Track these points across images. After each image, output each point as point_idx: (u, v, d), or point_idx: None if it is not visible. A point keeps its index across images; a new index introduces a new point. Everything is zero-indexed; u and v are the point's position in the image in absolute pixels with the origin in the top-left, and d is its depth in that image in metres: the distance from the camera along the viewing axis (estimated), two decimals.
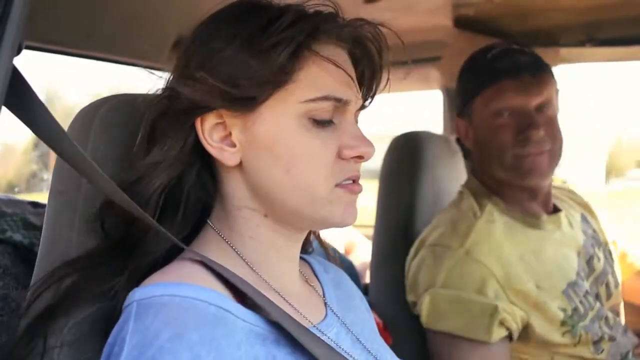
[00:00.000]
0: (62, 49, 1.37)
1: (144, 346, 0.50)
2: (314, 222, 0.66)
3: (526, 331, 1.05)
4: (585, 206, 1.34)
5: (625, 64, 1.59)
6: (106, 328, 0.59)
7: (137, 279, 0.58)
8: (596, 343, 1.07)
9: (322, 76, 0.61)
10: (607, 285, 1.20)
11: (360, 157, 0.64)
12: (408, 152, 1.34)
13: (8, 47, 0.47)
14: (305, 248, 0.76)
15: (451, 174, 1.36)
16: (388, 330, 1.26)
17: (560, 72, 1.55)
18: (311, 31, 0.60)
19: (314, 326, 0.65)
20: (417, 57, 1.67)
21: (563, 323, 1.05)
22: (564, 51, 1.23)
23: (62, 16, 1.21)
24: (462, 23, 1.41)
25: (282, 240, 0.66)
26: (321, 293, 0.73)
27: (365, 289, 1.47)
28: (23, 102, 0.51)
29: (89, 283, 0.60)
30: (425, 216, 1.31)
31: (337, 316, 0.70)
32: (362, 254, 2.01)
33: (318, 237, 0.78)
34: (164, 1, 1.19)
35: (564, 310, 1.05)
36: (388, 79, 0.68)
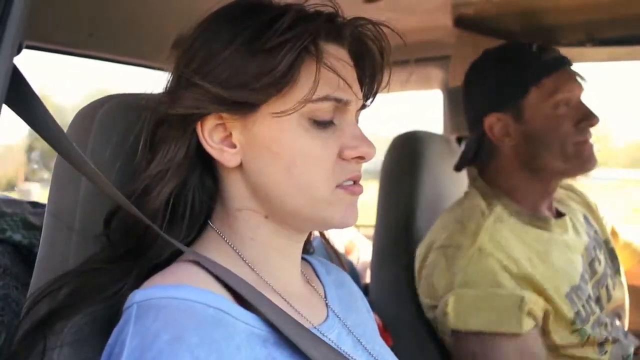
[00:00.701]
0: (62, 49, 1.38)
1: (144, 348, 0.50)
2: (315, 223, 0.65)
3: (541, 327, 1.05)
4: (586, 205, 1.34)
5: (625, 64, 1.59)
6: (107, 328, 0.59)
7: (143, 281, 0.58)
8: (601, 344, 1.07)
9: (322, 76, 0.60)
10: (607, 288, 1.20)
11: (361, 158, 0.64)
12: (408, 152, 1.34)
13: (8, 47, 0.47)
14: (306, 248, 0.76)
15: (451, 174, 1.36)
16: (388, 331, 1.26)
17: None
18: (312, 33, 0.60)
19: (315, 327, 0.65)
20: (417, 57, 1.67)
21: (573, 322, 1.05)
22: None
23: (62, 16, 1.21)
24: (462, 23, 1.41)
25: (282, 241, 0.66)
26: (322, 294, 0.73)
27: (365, 289, 1.47)
28: (24, 101, 0.51)
29: (92, 289, 0.60)
30: (425, 216, 1.31)
31: (338, 317, 0.70)
32: (362, 254, 2.01)
33: (324, 239, 0.78)
34: (163, 1, 1.19)
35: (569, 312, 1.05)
36: (389, 78, 0.68)
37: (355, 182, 0.64)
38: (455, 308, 1.05)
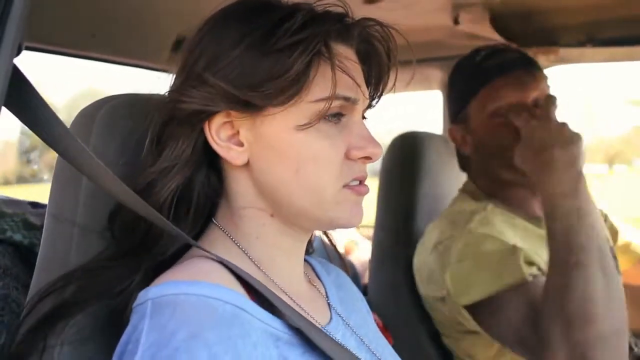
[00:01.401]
0: (62, 50, 1.38)
1: (160, 345, 0.49)
2: (321, 223, 0.65)
3: None
4: None
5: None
6: (108, 328, 0.59)
7: (151, 279, 0.58)
8: None
9: (330, 75, 0.60)
10: None
11: (368, 158, 0.64)
12: (408, 152, 1.34)
13: (8, 48, 0.46)
14: (307, 248, 0.76)
15: (451, 174, 1.36)
16: (388, 331, 1.26)
17: (560, 72, 1.55)
18: (324, 34, 0.59)
19: (324, 327, 0.65)
20: (417, 57, 1.66)
21: None
22: (564, 51, 1.23)
23: (62, 17, 1.21)
24: (462, 23, 1.41)
25: (288, 241, 0.66)
26: (324, 294, 0.73)
27: (365, 289, 1.47)
28: (25, 103, 0.51)
29: (99, 287, 0.59)
30: (425, 216, 1.31)
31: (341, 318, 0.70)
32: (362, 254, 2.01)
33: (328, 239, 0.78)
34: (164, 1, 1.19)
35: None
36: (395, 79, 0.68)
37: (361, 182, 0.64)
38: (454, 284, 1.03)
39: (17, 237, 0.79)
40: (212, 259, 0.59)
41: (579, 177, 0.94)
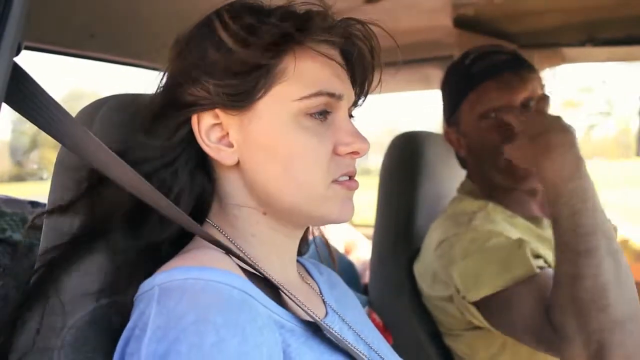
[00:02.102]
0: (61, 49, 1.38)
1: (168, 328, 0.49)
2: (312, 219, 0.66)
3: None
4: None
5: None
6: (107, 328, 0.59)
7: (147, 270, 0.58)
8: None
9: (314, 72, 0.62)
10: None
11: (355, 153, 0.65)
12: (408, 152, 1.34)
13: (8, 47, 0.46)
14: (300, 247, 0.76)
15: (451, 174, 1.36)
16: (388, 331, 1.26)
17: (561, 72, 1.55)
18: (300, 24, 0.61)
19: (322, 320, 0.65)
20: (417, 57, 1.67)
21: None
22: (564, 51, 1.23)
23: (62, 16, 1.21)
24: (462, 23, 1.41)
25: (280, 238, 0.67)
26: (318, 292, 0.74)
27: (365, 289, 1.47)
28: (27, 99, 0.51)
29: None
30: (425, 216, 1.31)
31: (337, 314, 0.71)
32: (362, 254, 2.01)
33: (322, 236, 0.79)
34: (163, 1, 1.19)
35: None
36: (380, 78, 0.69)
37: (351, 177, 0.65)
38: (462, 281, 1.02)
39: (17, 236, 0.79)
40: (217, 250, 0.60)
41: (579, 159, 0.92)
